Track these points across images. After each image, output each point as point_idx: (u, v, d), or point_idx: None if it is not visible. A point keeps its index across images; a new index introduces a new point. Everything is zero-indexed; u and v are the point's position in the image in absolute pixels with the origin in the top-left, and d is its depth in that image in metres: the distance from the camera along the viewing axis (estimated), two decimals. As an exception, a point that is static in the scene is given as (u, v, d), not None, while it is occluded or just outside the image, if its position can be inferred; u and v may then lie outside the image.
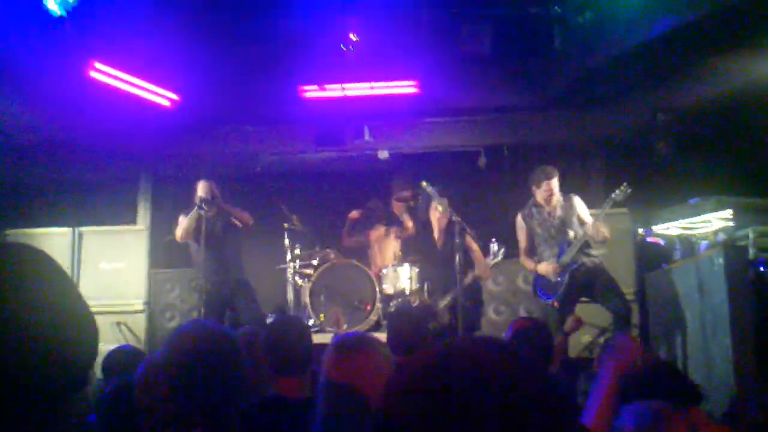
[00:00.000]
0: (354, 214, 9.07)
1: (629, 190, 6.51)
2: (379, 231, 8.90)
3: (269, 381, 3.40)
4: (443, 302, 7.28)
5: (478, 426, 0.87)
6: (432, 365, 0.95)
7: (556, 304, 6.46)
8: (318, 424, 2.47)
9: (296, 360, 3.31)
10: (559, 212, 6.81)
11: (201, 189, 7.56)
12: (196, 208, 7.45)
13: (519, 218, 7.01)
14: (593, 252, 6.70)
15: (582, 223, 6.73)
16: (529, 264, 6.97)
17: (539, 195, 6.84)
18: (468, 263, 7.11)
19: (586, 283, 6.60)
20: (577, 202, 6.87)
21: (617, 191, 6.52)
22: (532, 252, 6.95)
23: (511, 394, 0.90)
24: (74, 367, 1.25)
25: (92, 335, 1.30)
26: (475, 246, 7.33)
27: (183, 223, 7.62)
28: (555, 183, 6.82)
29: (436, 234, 7.55)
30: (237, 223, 7.62)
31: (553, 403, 0.93)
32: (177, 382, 2.27)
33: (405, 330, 4.46)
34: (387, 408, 0.94)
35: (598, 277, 6.63)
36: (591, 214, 6.81)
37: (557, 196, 6.84)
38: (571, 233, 6.67)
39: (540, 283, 6.72)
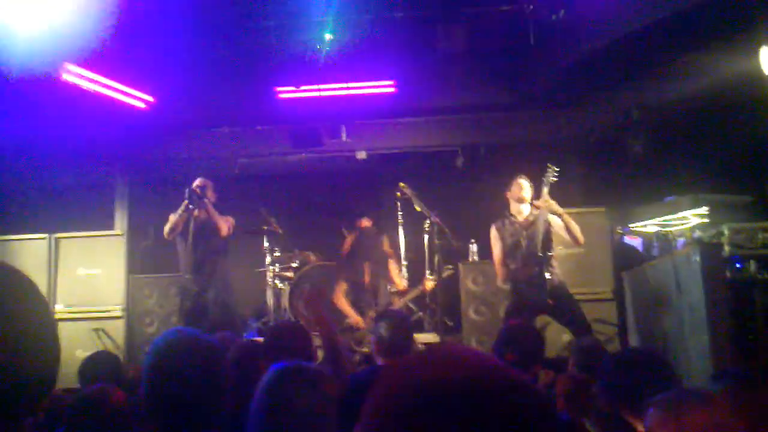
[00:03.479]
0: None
1: (557, 170, 6.50)
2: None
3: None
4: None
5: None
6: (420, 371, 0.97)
7: (550, 301, 6.42)
8: None
9: None
10: (529, 225, 6.71)
11: (196, 182, 7.58)
12: (185, 201, 7.44)
13: (492, 229, 6.89)
14: (556, 270, 6.67)
15: (550, 238, 6.65)
16: (504, 273, 6.82)
17: (512, 196, 6.83)
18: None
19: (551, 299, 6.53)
20: (549, 217, 6.67)
21: (546, 175, 6.51)
22: (506, 262, 6.79)
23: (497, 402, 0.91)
24: (33, 382, 1.26)
25: (53, 355, 1.31)
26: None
27: (171, 219, 7.60)
28: (524, 183, 6.78)
29: None
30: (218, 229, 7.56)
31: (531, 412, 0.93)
32: (157, 390, 2.32)
33: (395, 334, 4.52)
34: (379, 409, 0.95)
35: (560, 294, 6.58)
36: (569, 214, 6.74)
37: (528, 199, 6.76)
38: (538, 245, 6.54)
39: (528, 292, 6.60)
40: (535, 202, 6.59)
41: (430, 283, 7.52)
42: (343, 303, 7.41)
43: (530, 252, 6.52)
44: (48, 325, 1.31)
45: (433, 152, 9.61)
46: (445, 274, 7.62)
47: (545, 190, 6.49)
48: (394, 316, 4.96)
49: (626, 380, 3.07)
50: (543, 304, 6.43)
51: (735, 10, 6.47)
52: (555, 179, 6.47)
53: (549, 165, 6.52)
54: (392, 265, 7.68)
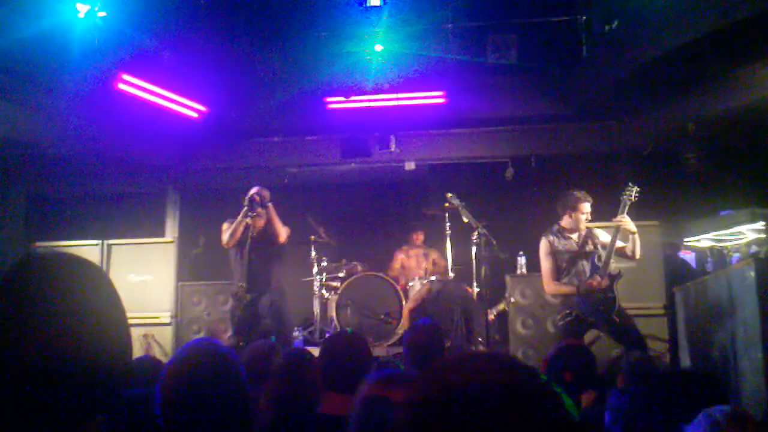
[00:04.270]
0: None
1: (636, 188, 6.31)
2: (407, 244, 8.84)
3: (320, 396, 3.34)
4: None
5: None
6: (440, 379, 0.99)
7: (617, 319, 6.25)
8: None
9: (348, 376, 3.22)
10: (581, 240, 6.56)
11: (254, 190, 7.36)
12: (245, 208, 7.25)
13: (545, 242, 6.62)
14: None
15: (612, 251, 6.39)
16: (564, 288, 6.53)
17: (574, 216, 6.61)
18: None
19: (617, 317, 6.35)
20: (599, 233, 6.56)
21: (626, 193, 6.31)
22: (558, 277, 6.58)
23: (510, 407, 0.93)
24: (107, 375, 1.26)
25: (126, 344, 1.33)
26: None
27: (230, 228, 7.39)
28: (588, 207, 6.54)
29: None
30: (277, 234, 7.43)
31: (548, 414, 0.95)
32: (171, 402, 2.31)
33: (422, 344, 4.47)
34: (408, 418, 0.97)
35: (622, 312, 6.40)
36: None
37: (586, 223, 6.59)
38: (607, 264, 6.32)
39: (587, 308, 6.38)
40: (614, 220, 6.35)
41: (491, 317, 7.42)
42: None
43: (595, 270, 6.35)
44: (121, 320, 1.33)
45: (482, 163, 9.53)
46: (500, 308, 7.55)
47: (623, 208, 6.27)
48: (422, 326, 4.91)
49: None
50: (608, 321, 6.25)
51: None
52: (636, 199, 6.28)
53: (630, 184, 6.33)
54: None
